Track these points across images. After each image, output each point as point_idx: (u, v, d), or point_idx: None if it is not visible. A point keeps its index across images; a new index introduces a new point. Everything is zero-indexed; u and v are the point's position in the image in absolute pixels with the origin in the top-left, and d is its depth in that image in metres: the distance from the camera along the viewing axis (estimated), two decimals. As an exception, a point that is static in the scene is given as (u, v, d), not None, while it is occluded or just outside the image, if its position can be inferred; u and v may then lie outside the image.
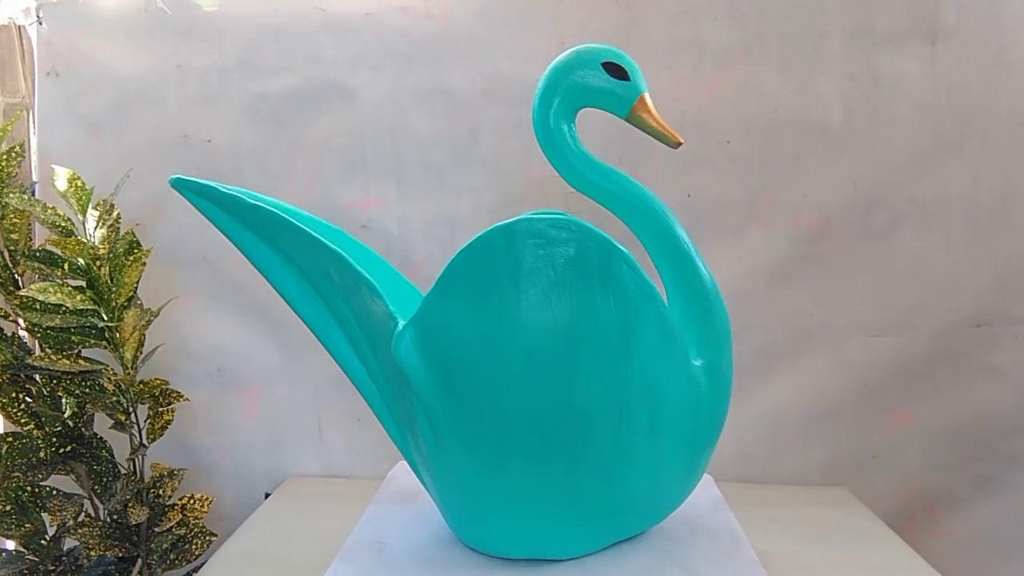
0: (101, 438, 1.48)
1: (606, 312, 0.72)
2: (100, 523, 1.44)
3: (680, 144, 0.76)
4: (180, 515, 1.44)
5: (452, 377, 0.76)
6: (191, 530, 1.46)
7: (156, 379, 1.45)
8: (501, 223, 0.70)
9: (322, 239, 0.79)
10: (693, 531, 0.90)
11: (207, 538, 1.47)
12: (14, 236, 1.42)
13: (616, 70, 0.78)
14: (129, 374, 1.42)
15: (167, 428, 1.47)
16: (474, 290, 0.73)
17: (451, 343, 0.75)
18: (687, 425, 0.80)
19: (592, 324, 0.72)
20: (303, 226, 0.80)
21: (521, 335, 0.72)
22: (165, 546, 1.44)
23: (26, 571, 1.41)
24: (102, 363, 1.41)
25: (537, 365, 0.73)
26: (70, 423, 1.45)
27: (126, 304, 1.42)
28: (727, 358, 0.82)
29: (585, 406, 0.74)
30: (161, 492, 1.46)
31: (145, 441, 1.46)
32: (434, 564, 0.84)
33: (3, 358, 1.39)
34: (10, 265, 1.42)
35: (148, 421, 1.47)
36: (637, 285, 0.72)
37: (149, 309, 1.46)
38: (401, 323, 0.77)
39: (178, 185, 0.85)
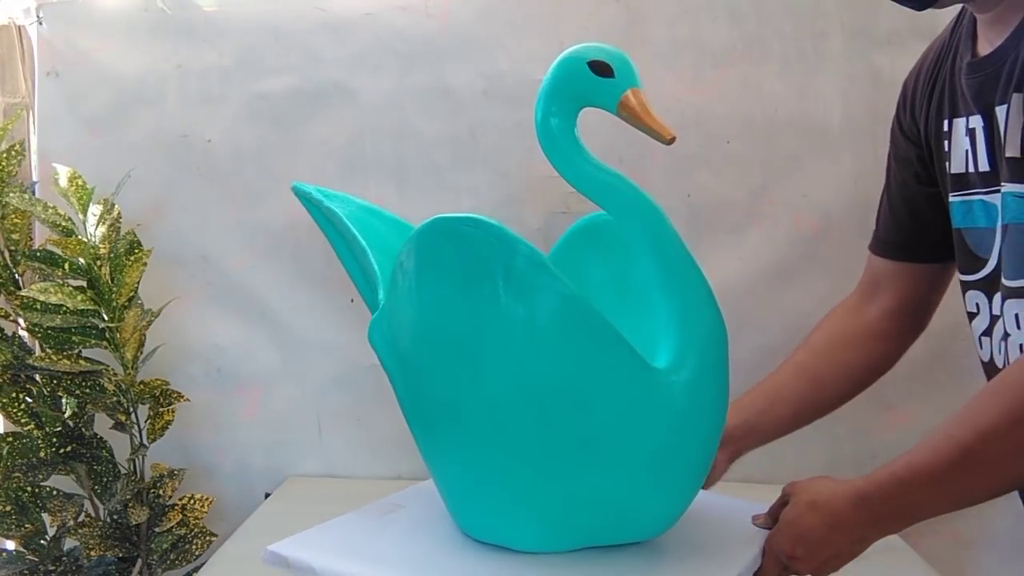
0: (101, 438, 1.48)
1: (510, 308, 0.73)
2: (100, 523, 1.44)
3: (672, 139, 0.74)
4: (180, 515, 1.44)
5: (401, 364, 0.83)
6: (191, 530, 1.46)
7: (156, 379, 1.45)
8: (426, 220, 0.73)
9: (361, 242, 0.85)
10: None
11: (207, 538, 1.47)
12: (15, 236, 1.42)
13: (601, 68, 0.78)
14: (130, 374, 1.42)
15: (167, 428, 1.47)
16: (406, 282, 0.78)
17: (396, 332, 0.81)
18: (641, 433, 0.77)
19: (497, 319, 0.74)
20: (357, 234, 0.87)
21: (438, 326, 0.77)
22: (165, 546, 1.44)
23: (26, 571, 1.41)
24: (102, 363, 1.41)
25: (451, 356, 0.77)
26: (70, 423, 1.45)
27: (127, 304, 1.42)
28: (707, 366, 0.78)
29: (499, 400, 0.76)
30: (161, 492, 1.46)
31: (145, 441, 1.46)
32: (429, 535, 0.87)
33: (3, 358, 1.39)
34: (11, 265, 1.42)
35: (148, 421, 1.47)
36: (546, 284, 0.72)
37: (150, 309, 1.46)
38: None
39: (295, 190, 0.94)
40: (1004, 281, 0.77)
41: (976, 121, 0.79)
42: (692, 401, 0.78)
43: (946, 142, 0.85)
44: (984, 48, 0.79)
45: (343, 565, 0.81)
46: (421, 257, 0.76)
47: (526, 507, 0.82)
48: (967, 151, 0.81)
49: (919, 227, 0.97)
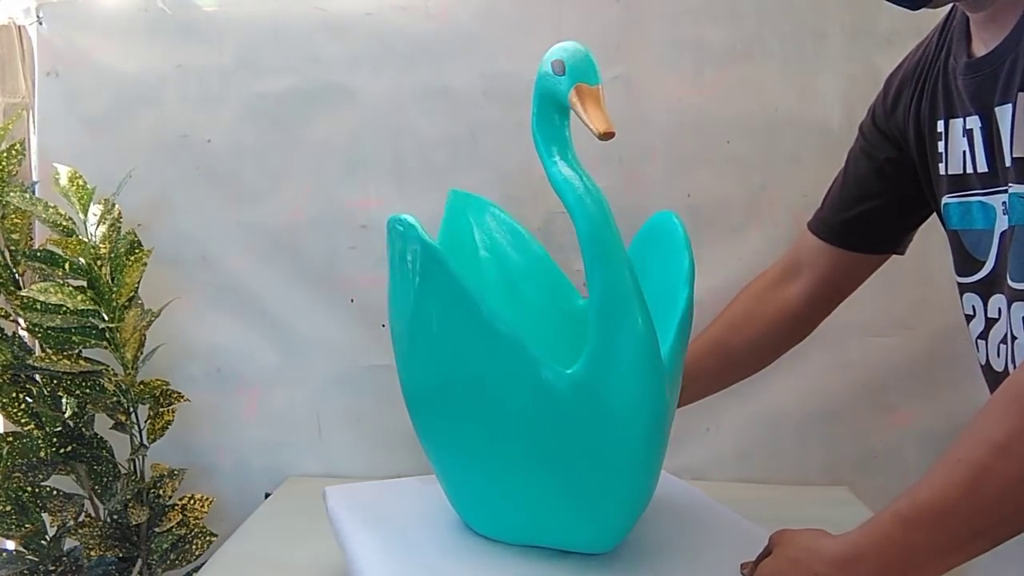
0: (101, 438, 1.48)
1: (424, 303, 0.81)
2: (100, 523, 1.44)
3: (605, 134, 0.73)
4: (180, 515, 1.44)
5: None
6: (191, 530, 1.46)
7: (156, 379, 1.45)
8: None
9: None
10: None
11: (207, 538, 1.47)
12: (15, 236, 1.42)
13: (558, 66, 0.79)
14: (130, 374, 1.42)
15: (167, 428, 1.47)
16: None
17: None
18: (543, 437, 0.78)
19: (415, 312, 0.82)
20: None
21: (394, 315, 0.87)
22: (165, 546, 1.45)
23: (26, 571, 1.41)
24: (103, 363, 1.41)
25: (398, 343, 0.87)
26: (70, 423, 1.45)
27: (127, 304, 1.42)
28: (613, 373, 0.75)
29: (423, 387, 0.85)
30: (161, 492, 1.46)
31: (145, 441, 1.47)
32: (438, 507, 0.94)
33: (4, 358, 1.39)
34: (11, 265, 1.42)
35: (148, 421, 1.47)
36: (449, 284, 0.77)
37: (150, 309, 1.46)
38: None
39: (453, 195, 1.05)
40: (1011, 283, 0.77)
41: (974, 122, 0.79)
42: (599, 408, 0.75)
43: (940, 143, 0.85)
44: (979, 48, 0.79)
45: (343, 513, 0.98)
46: (388, 250, 0.87)
47: (467, 492, 0.89)
48: (964, 152, 0.81)
49: (866, 219, 0.99)
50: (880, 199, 0.97)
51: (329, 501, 1.02)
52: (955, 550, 0.67)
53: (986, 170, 0.78)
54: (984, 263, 0.82)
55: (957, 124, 0.82)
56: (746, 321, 1.09)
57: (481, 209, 1.06)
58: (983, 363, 0.85)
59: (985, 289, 0.83)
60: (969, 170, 0.81)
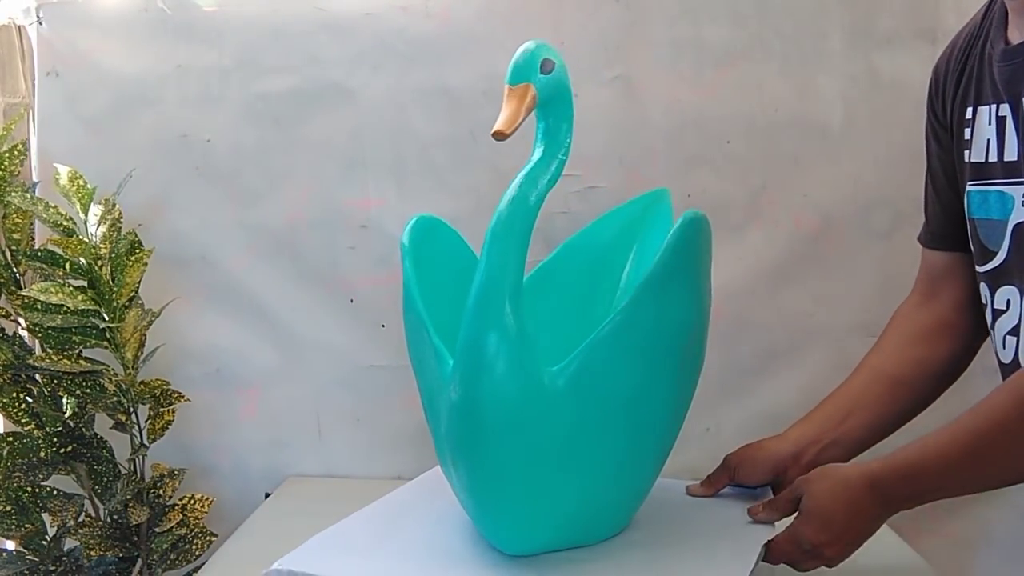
0: (102, 438, 1.48)
1: (404, 295, 0.90)
2: (100, 523, 1.44)
3: (494, 134, 0.76)
4: (180, 515, 1.44)
5: None
6: (191, 530, 1.46)
7: (157, 379, 1.45)
8: None
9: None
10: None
11: (207, 538, 1.47)
12: (16, 236, 1.42)
13: None
14: (130, 374, 1.42)
15: (167, 428, 1.47)
16: None
17: None
18: (448, 424, 0.82)
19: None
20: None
21: None
22: (165, 546, 1.45)
23: (26, 571, 1.42)
24: (103, 363, 1.41)
25: None
26: (71, 423, 1.45)
27: (127, 304, 1.42)
28: (483, 371, 0.76)
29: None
30: (161, 492, 1.46)
31: (146, 441, 1.47)
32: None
33: (4, 358, 1.39)
34: (12, 265, 1.42)
35: (149, 421, 1.47)
36: (407, 275, 0.87)
37: (150, 310, 1.46)
38: None
39: None
40: None
41: (1004, 109, 0.78)
42: (472, 404, 0.77)
43: (967, 130, 0.85)
44: (1015, 36, 0.79)
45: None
46: None
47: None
48: (990, 140, 0.81)
49: None
50: None
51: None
52: (956, 491, 0.87)
53: (1014, 159, 0.78)
54: (996, 253, 0.82)
55: (985, 111, 0.82)
56: (902, 344, 1.03)
57: (657, 212, 1.08)
58: (996, 351, 0.86)
59: (994, 280, 0.83)
60: (992, 158, 0.81)
